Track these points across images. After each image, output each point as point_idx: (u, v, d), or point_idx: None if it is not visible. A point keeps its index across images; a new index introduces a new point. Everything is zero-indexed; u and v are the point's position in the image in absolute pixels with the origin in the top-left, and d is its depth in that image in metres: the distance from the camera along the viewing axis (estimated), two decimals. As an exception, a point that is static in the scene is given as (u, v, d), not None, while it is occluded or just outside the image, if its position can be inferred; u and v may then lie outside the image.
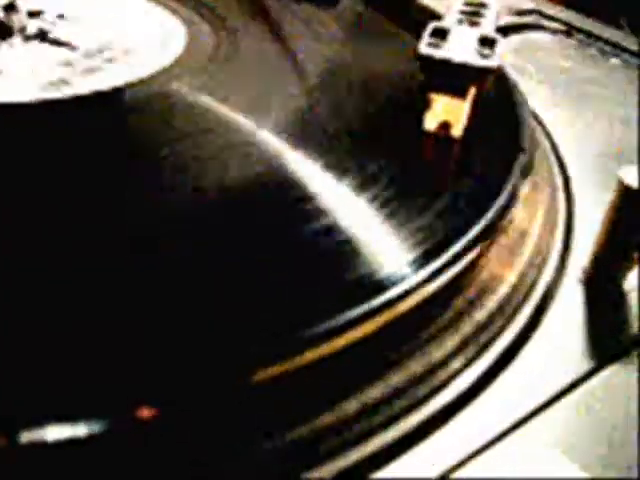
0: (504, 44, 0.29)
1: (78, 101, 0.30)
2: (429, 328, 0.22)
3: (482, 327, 0.23)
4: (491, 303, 0.24)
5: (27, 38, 0.36)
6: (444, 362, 0.22)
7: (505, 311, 0.24)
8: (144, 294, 0.21)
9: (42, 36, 0.36)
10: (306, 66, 0.36)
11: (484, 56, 0.28)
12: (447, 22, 0.31)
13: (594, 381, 0.23)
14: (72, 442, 0.17)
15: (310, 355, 0.19)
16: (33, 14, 0.38)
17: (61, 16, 0.38)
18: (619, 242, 0.25)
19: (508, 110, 0.33)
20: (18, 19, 0.36)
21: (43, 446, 0.16)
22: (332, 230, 0.23)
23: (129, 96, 0.31)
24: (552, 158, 0.35)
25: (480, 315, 0.23)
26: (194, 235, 0.23)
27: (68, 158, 0.27)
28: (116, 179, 0.26)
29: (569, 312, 0.25)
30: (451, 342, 0.22)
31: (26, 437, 0.16)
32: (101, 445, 0.17)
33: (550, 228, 0.29)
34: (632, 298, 0.26)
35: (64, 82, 0.32)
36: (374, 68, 0.36)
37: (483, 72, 0.28)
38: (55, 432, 0.16)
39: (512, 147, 0.29)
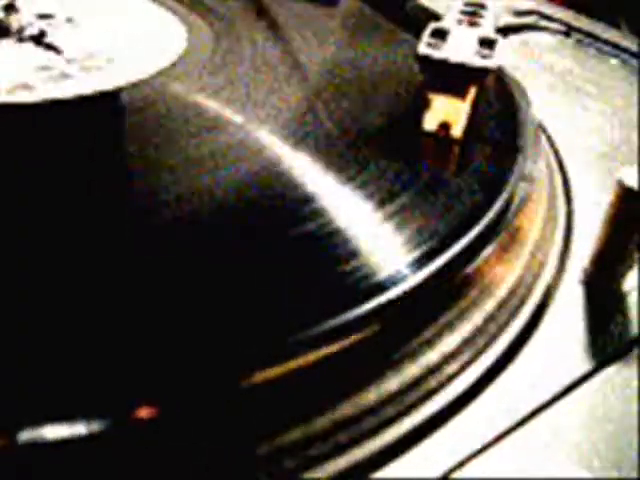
0: (503, 44, 0.30)
1: (69, 102, 0.30)
2: (429, 330, 0.22)
3: (482, 328, 0.23)
4: (491, 304, 0.24)
5: (22, 40, 0.36)
6: (443, 363, 0.22)
7: (505, 312, 0.24)
8: (143, 294, 0.21)
9: (38, 39, 0.36)
10: (306, 66, 0.36)
11: (484, 56, 0.28)
12: (446, 22, 0.31)
13: (594, 381, 0.23)
14: (71, 442, 0.17)
15: (308, 357, 0.19)
16: (43, 17, 0.38)
17: (70, 19, 0.38)
18: (619, 242, 0.25)
19: (506, 110, 0.33)
20: (17, 19, 0.36)
21: (43, 445, 0.16)
22: (331, 230, 0.24)
23: (127, 97, 0.31)
24: (551, 158, 0.35)
25: (480, 316, 0.23)
26: (193, 236, 0.23)
27: (64, 160, 0.27)
28: (114, 181, 0.26)
29: (569, 312, 0.25)
30: (451, 343, 0.22)
31: (26, 436, 0.16)
32: (99, 445, 0.17)
33: (550, 228, 0.29)
34: (632, 298, 0.26)
35: (26, 87, 0.31)
36: (373, 68, 0.36)
37: (483, 72, 0.28)
38: (54, 432, 0.17)
39: (510, 147, 0.29)
